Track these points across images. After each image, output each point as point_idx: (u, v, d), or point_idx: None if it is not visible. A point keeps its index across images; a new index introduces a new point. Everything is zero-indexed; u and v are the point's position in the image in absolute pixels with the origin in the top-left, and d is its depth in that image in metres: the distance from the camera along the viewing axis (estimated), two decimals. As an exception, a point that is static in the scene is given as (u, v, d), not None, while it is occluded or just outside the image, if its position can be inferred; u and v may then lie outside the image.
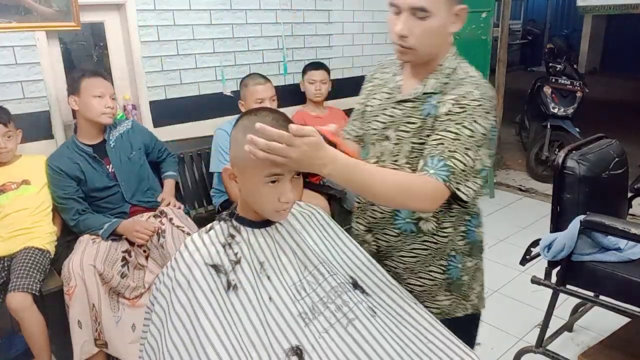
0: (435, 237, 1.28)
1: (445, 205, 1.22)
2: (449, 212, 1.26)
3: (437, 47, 1.19)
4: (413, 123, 1.22)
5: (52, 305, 2.00)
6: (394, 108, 1.27)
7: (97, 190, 2.26)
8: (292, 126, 0.94)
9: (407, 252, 1.31)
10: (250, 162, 1.01)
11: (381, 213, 1.32)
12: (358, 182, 1.04)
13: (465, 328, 1.32)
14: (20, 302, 1.90)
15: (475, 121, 1.12)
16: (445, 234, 1.28)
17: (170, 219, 2.25)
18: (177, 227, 2.22)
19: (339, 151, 1.02)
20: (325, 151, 0.98)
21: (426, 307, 1.28)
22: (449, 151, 1.11)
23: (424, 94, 1.22)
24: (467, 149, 1.11)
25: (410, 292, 1.30)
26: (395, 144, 1.25)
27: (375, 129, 1.31)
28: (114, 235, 2.19)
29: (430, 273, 1.31)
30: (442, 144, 1.12)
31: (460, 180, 1.10)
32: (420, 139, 1.20)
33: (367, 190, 1.07)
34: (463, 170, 1.10)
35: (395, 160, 1.26)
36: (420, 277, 1.32)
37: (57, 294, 1.98)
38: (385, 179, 1.06)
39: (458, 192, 1.10)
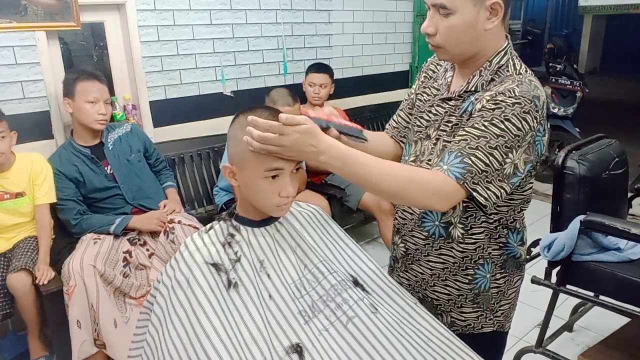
0: (461, 245, 1.21)
1: (473, 210, 1.17)
2: (476, 218, 1.19)
3: (472, 45, 1.10)
4: (450, 122, 1.17)
5: (52, 305, 2.00)
6: (439, 106, 1.21)
7: (97, 190, 2.26)
8: (281, 115, 0.97)
9: (435, 257, 1.26)
10: (249, 157, 1.02)
11: (411, 214, 1.28)
12: (354, 172, 1.01)
13: (491, 345, 1.28)
14: (22, 282, 1.96)
15: (507, 119, 1.01)
16: (473, 241, 1.20)
17: (179, 221, 2.27)
18: (188, 225, 2.24)
19: (336, 140, 1.02)
20: (319, 139, 0.98)
21: (453, 318, 1.28)
22: (470, 148, 1.02)
23: (466, 91, 1.15)
24: (492, 148, 1.01)
25: (437, 300, 1.29)
26: (434, 143, 1.20)
27: (419, 126, 1.26)
28: (125, 230, 2.22)
29: (456, 282, 1.25)
30: (465, 140, 1.03)
31: (479, 182, 1.01)
32: (455, 137, 1.12)
33: (363, 180, 1.02)
34: (484, 171, 1.01)
35: (429, 160, 1.20)
36: (447, 285, 1.26)
37: (57, 293, 1.98)
38: (383, 170, 1.02)
39: (475, 194, 1.01)
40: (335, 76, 3.32)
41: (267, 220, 1.14)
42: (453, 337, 1.14)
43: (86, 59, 2.83)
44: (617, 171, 2.05)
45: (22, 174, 2.14)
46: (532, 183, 1.19)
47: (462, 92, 1.16)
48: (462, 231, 1.20)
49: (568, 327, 2.41)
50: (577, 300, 2.34)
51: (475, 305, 1.27)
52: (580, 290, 1.97)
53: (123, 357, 1.97)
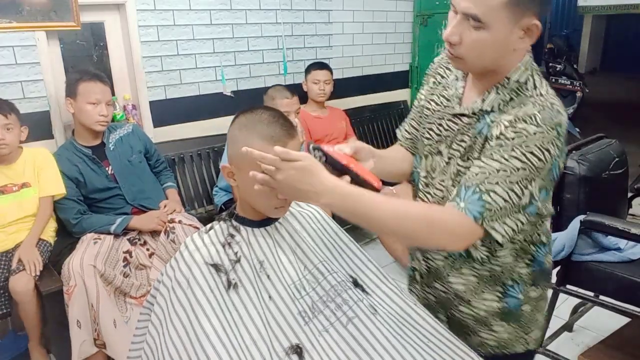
0: (486, 265, 1.12)
1: None
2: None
3: (496, 61, 0.99)
4: (464, 142, 1.07)
5: (52, 305, 2.00)
6: (450, 121, 1.10)
7: (97, 191, 2.26)
8: (277, 148, 0.93)
9: (456, 277, 1.17)
10: (247, 158, 1.02)
11: None
12: (363, 215, 0.94)
13: None
14: (24, 286, 1.94)
15: (530, 152, 0.93)
16: (499, 263, 1.11)
17: (179, 221, 2.27)
18: (188, 225, 2.24)
19: (340, 180, 0.96)
20: (320, 179, 0.93)
21: (481, 337, 1.19)
22: (489, 183, 0.94)
23: (481, 110, 1.04)
24: (512, 183, 0.93)
25: (464, 321, 1.20)
26: (446, 162, 1.12)
27: (429, 139, 1.16)
28: (125, 230, 2.22)
29: (484, 301, 1.15)
30: (484, 173, 0.95)
31: (497, 218, 0.94)
32: (468, 159, 1.06)
33: (375, 224, 0.97)
34: (502, 207, 0.94)
35: (442, 180, 1.13)
36: (473, 306, 1.17)
37: (57, 293, 1.98)
38: (395, 211, 0.95)
39: (492, 232, 0.95)
40: (335, 76, 3.33)
41: (267, 221, 1.14)
42: (453, 337, 1.13)
43: (86, 59, 2.83)
44: (617, 171, 2.05)
45: (27, 165, 2.16)
46: (550, 200, 1.09)
47: (477, 110, 1.05)
48: (485, 253, 1.11)
49: (568, 327, 2.41)
50: (577, 300, 2.34)
51: (505, 324, 1.17)
52: (580, 290, 1.97)
53: (123, 357, 1.96)
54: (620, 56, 9.23)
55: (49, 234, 2.19)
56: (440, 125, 1.14)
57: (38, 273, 1.99)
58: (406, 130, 1.30)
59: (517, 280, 1.14)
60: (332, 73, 3.26)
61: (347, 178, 1.00)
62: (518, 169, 0.93)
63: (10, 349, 2.20)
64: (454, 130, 1.10)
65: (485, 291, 1.15)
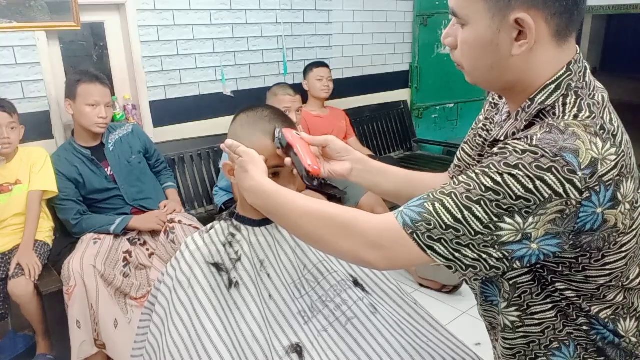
0: (519, 329, 0.88)
1: (526, 285, 0.84)
2: (534, 294, 0.84)
3: (494, 71, 0.78)
4: None
5: (52, 305, 2.00)
6: (490, 156, 0.87)
7: (96, 192, 2.26)
8: (227, 141, 0.98)
9: (500, 343, 0.95)
10: None
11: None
12: (277, 213, 0.89)
13: None
14: (24, 289, 1.93)
15: (509, 174, 0.69)
16: (537, 322, 0.86)
17: (179, 221, 2.27)
18: (188, 225, 2.25)
19: (266, 179, 0.92)
20: (250, 176, 0.93)
21: None
22: (440, 193, 0.74)
23: (496, 141, 0.85)
24: (472, 201, 0.71)
25: None
26: None
27: None
28: (125, 230, 2.22)
29: None
30: (445, 184, 0.76)
31: (442, 239, 0.72)
32: None
33: (286, 223, 0.88)
34: (451, 228, 0.71)
35: None
36: None
37: (57, 293, 1.98)
38: (305, 209, 0.83)
39: (430, 253, 0.73)
40: (335, 76, 3.33)
41: (268, 220, 1.14)
42: (453, 337, 1.14)
43: (86, 59, 2.83)
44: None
45: (22, 163, 2.15)
46: (621, 255, 0.77)
47: (497, 138, 0.85)
48: (517, 314, 0.87)
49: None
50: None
51: None
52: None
53: (123, 357, 1.97)
54: (620, 56, 9.23)
55: (46, 234, 2.18)
56: (479, 162, 0.94)
57: (37, 277, 1.98)
58: (457, 157, 1.05)
59: (565, 341, 0.86)
60: (330, 72, 3.27)
61: (288, 161, 0.99)
62: (486, 188, 0.70)
63: (10, 349, 2.20)
64: None
65: None
